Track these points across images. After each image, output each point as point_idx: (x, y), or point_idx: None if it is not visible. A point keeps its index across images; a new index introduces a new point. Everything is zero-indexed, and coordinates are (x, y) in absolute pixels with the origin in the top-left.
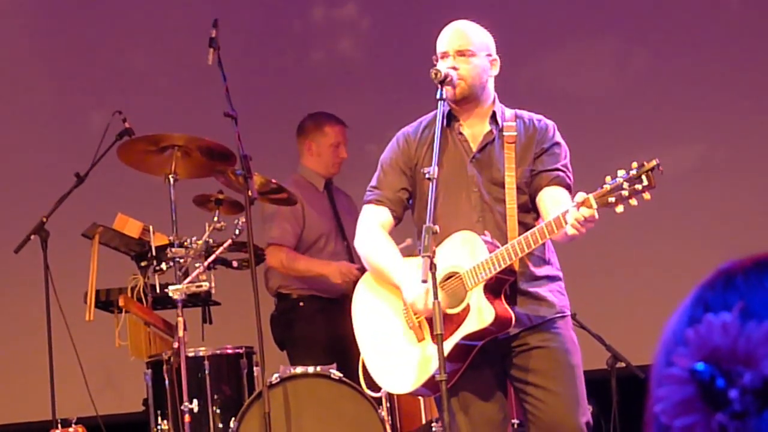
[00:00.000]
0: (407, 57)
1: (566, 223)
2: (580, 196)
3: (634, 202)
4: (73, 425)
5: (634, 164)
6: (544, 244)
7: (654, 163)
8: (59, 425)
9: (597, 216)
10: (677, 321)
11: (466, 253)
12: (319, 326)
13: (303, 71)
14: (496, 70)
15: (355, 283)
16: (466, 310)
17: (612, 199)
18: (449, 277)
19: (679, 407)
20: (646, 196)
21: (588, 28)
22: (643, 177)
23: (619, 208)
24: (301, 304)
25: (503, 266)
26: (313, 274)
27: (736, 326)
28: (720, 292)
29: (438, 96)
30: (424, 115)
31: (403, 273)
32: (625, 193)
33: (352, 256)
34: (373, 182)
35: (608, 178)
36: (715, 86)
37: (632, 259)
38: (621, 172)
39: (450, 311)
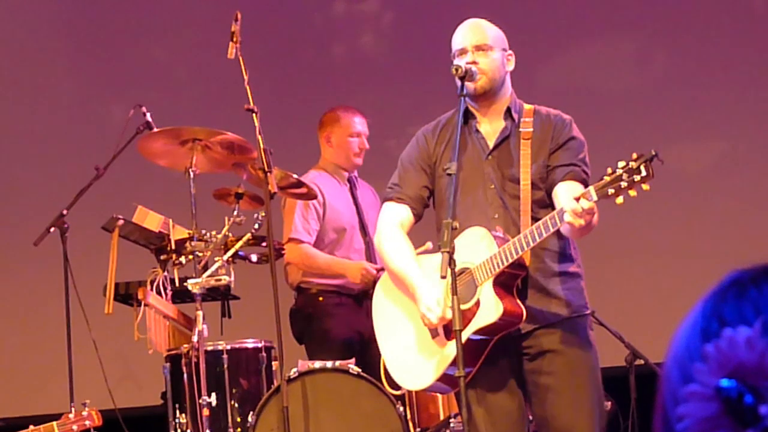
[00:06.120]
0: (429, 52)
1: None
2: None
3: (633, 193)
4: (87, 409)
5: (634, 155)
6: (566, 241)
7: (652, 153)
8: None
9: (595, 208)
10: (689, 335)
11: (477, 248)
12: (338, 321)
13: (324, 66)
14: (512, 65)
15: (374, 282)
16: (477, 305)
17: (611, 191)
18: (460, 272)
19: (704, 424)
20: (645, 186)
21: (609, 24)
22: (642, 168)
23: (619, 200)
24: (321, 298)
25: (510, 260)
26: (332, 273)
27: (763, 341)
28: (733, 304)
29: (459, 92)
30: (445, 110)
31: (419, 282)
32: (624, 184)
33: (372, 252)
34: (394, 179)
35: (609, 170)
36: (736, 84)
37: (652, 256)
38: (621, 164)
39: (461, 307)
